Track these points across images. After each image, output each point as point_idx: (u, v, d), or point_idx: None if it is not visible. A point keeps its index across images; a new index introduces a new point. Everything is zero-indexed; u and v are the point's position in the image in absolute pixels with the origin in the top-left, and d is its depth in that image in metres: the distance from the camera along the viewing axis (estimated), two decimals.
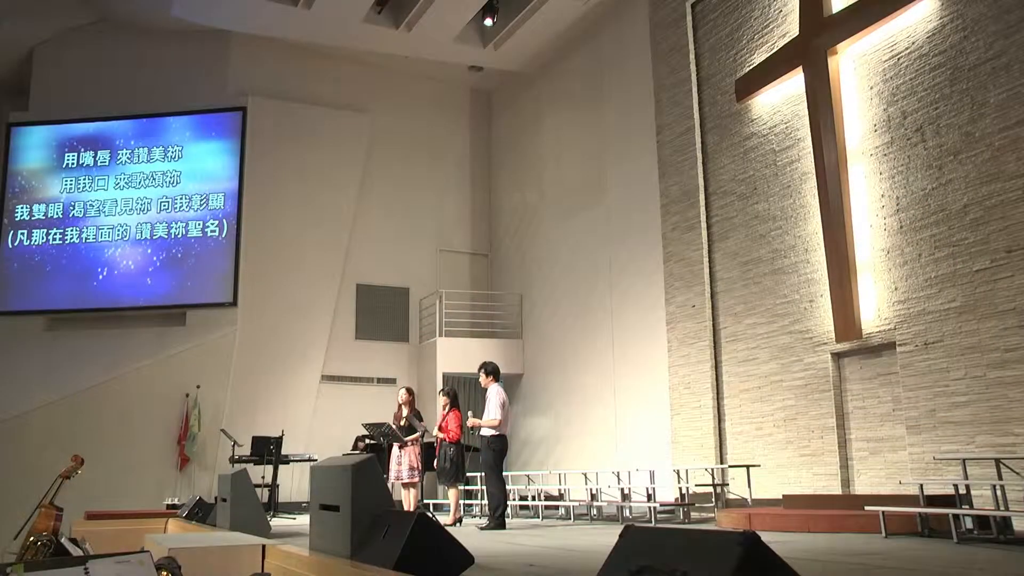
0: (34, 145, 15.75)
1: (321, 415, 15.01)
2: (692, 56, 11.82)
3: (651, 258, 12.29)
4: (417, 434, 9.46)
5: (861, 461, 9.14)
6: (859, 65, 9.43)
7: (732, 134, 11.04)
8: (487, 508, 9.38)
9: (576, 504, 10.82)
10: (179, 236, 15.05)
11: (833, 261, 9.41)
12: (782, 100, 10.35)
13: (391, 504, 4.11)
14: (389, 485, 8.51)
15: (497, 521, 8.62)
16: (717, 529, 6.86)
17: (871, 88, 9.23)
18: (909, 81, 8.78)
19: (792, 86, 10.18)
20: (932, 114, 8.53)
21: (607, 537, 6.73)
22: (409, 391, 9.79)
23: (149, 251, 15.11)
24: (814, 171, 9.76)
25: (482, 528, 8.56)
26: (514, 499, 11.86)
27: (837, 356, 9.48)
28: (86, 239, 15.21)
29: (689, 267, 11.41)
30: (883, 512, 6.77)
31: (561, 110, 15.33)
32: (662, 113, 12.27)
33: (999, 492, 6.56)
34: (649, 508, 9.33)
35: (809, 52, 9.85)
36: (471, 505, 12.42)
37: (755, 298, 10.46)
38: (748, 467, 9.67)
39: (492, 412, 8.84)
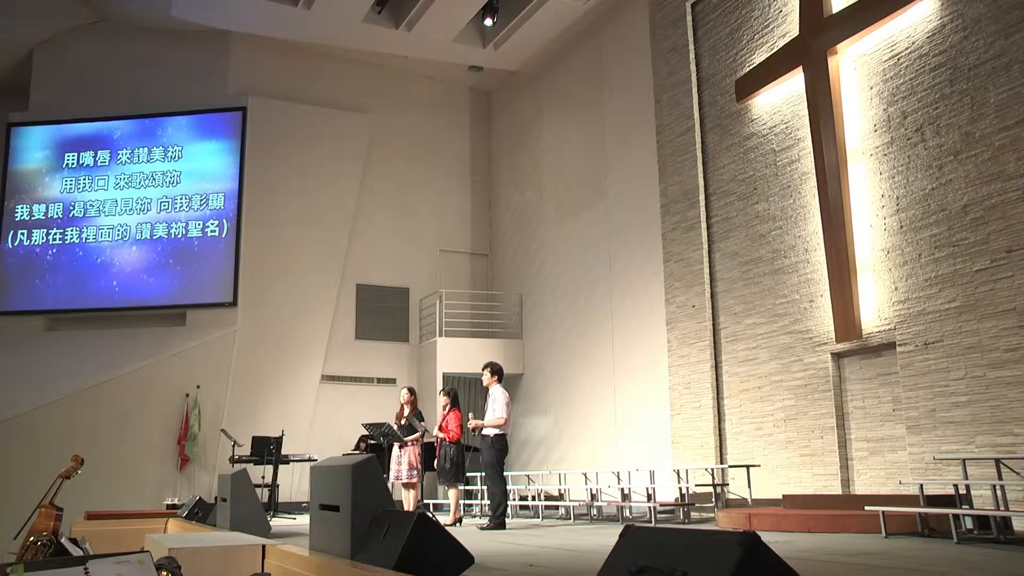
0: (34, 145, 15.75)
1: (321, 415, 15.01)
2: (692, 56, 11.82)
3: (651, 258, 12.30)
4: (417, 434, 9.46)
5: (861, 461, 9.14)
6: (859, 65, 9.43)
7: (732, 134, 11.05)
8: (487, 508, 9.38)
9: (576, 504, 10.82)
10: (179, 236, 15.05)
11: (833, 261, 9.41)
12: (782, 100, 10.35)
13: (391, 504, 4.11)
14: (389, 485, 8.51)
15: (497, 521, 8.62)
16: (717, 529, 6.86)
17: (871, 88, 9.24)
18: (909, 81, 8.78)
19: (792, 86, 10.18)
20: (932, 114, 8.54)
21: (607, 537, 6.73)
22: (411, 391, 9.79)
23: (149, 251, 15.11)
24: (814, 171, 9.76)
25: (482, 528, 8.56)
26: (514, 499, 11.86)
27: (837, 356, 9.48)
28: (86, 239, 15.21)
29: (689, 267, 11.41)
30: (883, 512, 6.77)
31: (561, 110, 15.33)
32: (662, 113, 12.27)
33: (999, 492, 6.56)
34: (649, 508, 9.33)
35: (809, 52, 9.85)
36: (471, 505, 12.42)
37: (755, 298, 10.46)
38: (748, 467, 9.67)
39: (499, 411, 8.83)
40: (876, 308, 9.04)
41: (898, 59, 8.94)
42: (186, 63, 15.70)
